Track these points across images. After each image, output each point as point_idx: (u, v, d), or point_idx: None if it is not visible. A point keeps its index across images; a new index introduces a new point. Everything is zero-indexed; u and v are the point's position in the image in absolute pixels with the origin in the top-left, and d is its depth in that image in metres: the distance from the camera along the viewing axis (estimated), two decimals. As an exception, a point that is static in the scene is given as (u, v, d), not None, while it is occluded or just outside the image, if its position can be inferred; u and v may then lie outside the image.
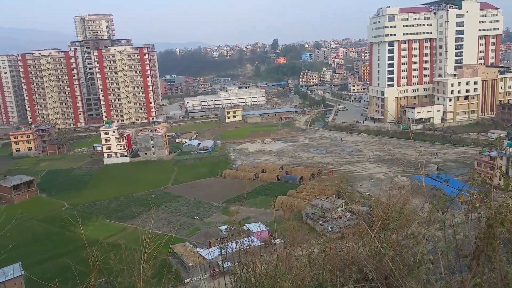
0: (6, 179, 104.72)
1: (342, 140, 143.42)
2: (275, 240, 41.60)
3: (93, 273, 8.37)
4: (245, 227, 68.37)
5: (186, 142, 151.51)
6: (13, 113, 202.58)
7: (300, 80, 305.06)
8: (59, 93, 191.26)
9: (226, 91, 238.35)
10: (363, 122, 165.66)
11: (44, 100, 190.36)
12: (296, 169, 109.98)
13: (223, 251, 9.22)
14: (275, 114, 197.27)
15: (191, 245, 67.57)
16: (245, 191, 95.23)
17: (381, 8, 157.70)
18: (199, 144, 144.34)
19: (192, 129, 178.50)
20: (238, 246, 8.79)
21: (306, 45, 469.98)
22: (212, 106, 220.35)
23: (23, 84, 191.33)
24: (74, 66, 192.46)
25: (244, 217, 79.44)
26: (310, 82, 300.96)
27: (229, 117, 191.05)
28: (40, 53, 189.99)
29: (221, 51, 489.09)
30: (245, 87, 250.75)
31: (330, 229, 68.72)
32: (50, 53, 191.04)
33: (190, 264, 58.39)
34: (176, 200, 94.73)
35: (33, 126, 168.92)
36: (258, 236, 56.79)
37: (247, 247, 8.90)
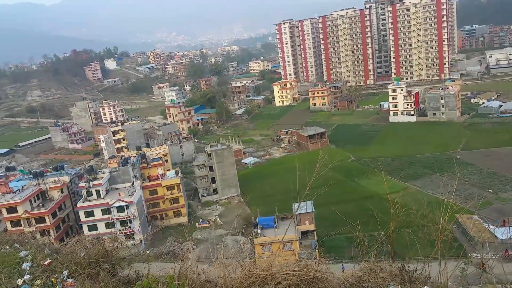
0: (304, 129, 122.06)
1: None
2: None
3: (392, 223, 8.87)
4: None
5: (483, 103, 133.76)
6: (312, 72, 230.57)
7: None
8: (352, 52, 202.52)
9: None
10: None
11: (338, 59, 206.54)
12: None
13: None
14: None
15: (479, 219, 59.52)
16: None
17: None
18: (500, 106, 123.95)
19: (493, 88, 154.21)
20: None
21: None
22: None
23: (321, 45, 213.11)
24: (367, 24, 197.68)
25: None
26: None
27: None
28: (337, 14, 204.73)
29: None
30: None
31: None
32: (346, 13, 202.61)
33: (477, 239, 51.62)
34: (465, 167, 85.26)
35: (327, 83, 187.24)
36: None
37: None
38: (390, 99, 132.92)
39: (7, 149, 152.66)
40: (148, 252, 52.40)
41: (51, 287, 7.14)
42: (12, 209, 62.55)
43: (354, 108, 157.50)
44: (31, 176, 70.95)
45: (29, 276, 7.33)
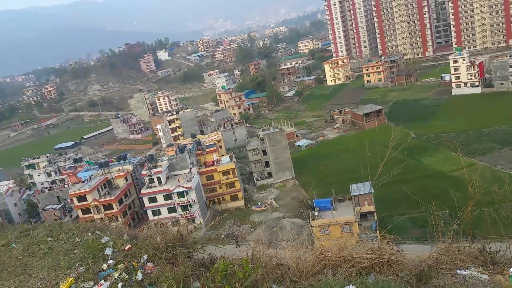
0: (359, 108, 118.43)
1: None
2: None
3: (471, 202, 8.44)
4: None
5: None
6: (365, 47, 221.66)
7: None
8: (407, 23, 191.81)
9: None
10: None
11: (393, 31, 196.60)
12: None
13: None
14: None
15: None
16: None
17: None
18: None
19: None
20: None
21: None
22: None
23: (374, 18, 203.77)
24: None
25: None
26: None
27: None
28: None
29: None
30: None
31: None
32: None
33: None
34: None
35: (382, 58, 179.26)
36: None
37: None
38: (452, 71, 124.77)
39: (74, 142, 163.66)
40: (223, 236, 54.24)
41: (133, 270, 7.45)
42: (82, 197, 67.21)
43: (413, 82, 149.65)
44: (97, 166, 75.59)
45: (112, 261, 7.73)
